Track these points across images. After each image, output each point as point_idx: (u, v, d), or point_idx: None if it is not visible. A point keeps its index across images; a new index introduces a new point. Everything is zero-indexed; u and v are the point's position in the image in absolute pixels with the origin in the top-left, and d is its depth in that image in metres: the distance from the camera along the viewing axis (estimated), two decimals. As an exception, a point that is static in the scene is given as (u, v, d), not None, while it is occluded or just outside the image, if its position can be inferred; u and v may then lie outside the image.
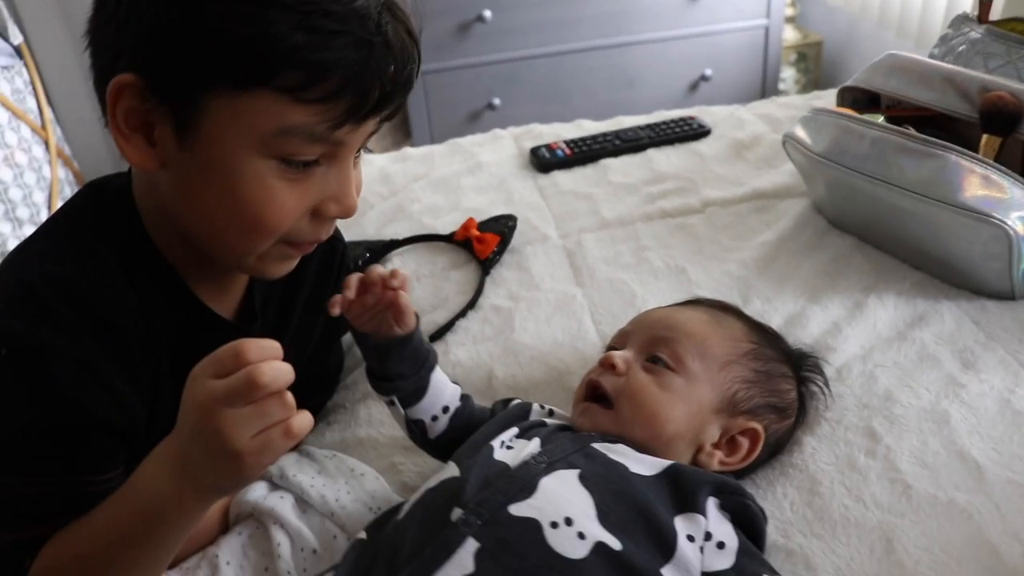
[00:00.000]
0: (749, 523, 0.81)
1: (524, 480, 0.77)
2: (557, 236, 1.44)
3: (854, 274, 1.23)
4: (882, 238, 1.26)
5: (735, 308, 1.03)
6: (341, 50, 0.72)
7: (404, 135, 2.98)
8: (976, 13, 1.40)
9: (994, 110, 1.13)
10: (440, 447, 0.94)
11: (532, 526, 0.73)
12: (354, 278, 0.88)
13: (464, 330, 1.21)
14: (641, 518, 0.75)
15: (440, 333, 1.20)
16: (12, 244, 2.74)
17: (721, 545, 0.77)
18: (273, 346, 0.69)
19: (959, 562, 0.80)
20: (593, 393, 0.91)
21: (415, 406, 0.93)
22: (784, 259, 1.29)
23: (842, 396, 1.01)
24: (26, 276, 0.80)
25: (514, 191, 1.59)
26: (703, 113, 1.85)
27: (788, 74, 3.34)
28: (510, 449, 0.84)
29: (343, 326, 0.97)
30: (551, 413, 0.94)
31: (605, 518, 0.74)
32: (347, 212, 0.84)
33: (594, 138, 1.72)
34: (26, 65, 2.86)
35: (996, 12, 1.44)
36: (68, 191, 2.99)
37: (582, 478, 0.78)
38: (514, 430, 0.88)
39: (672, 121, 1.77)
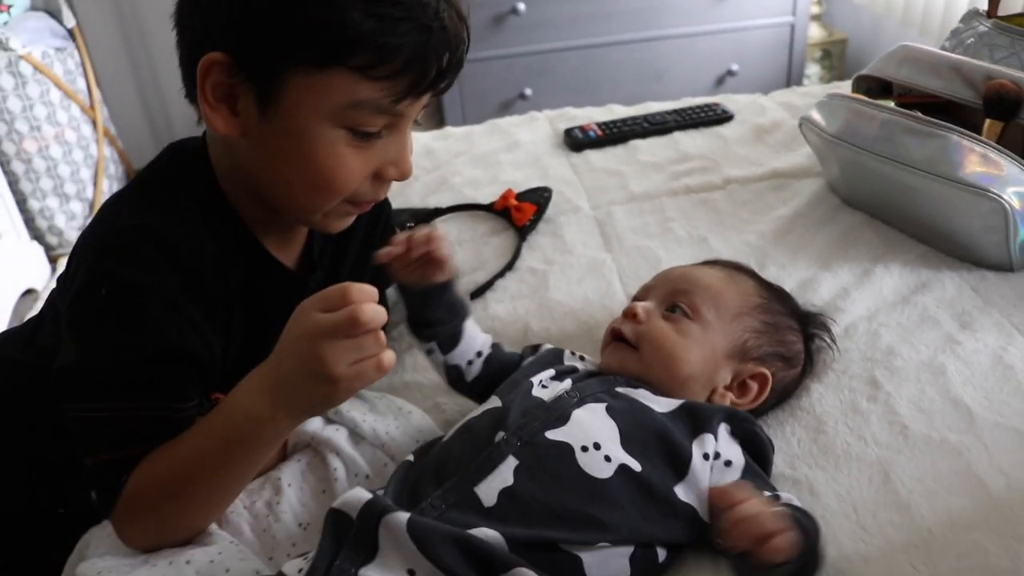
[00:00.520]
0: (758, 450, 0.90)
1: (559, 411, 0.87)
2: (589, 208, 1.51)
3: (864, 246, 1.30)
4: (890, 214, 1.33)
5: (749, 268, 1.11)
6: (405, 34, 0.82)
7: (438, 122, 3.05)
8: (987, 9, 1.48)
9: (996, 97, 1.20)
10: (477, 389, 1.02)
11: (565, 449, 0.82)
12: (402, 235, 0.98)
13: (503, 289, 1.29)
14: (659, 443, 0.84)
15: (481, 291, 1.28)
16: (59, 219, 2.86)
17: (728, 463, 0.86)
18: (372, 291, 0.79)
19: (948, 491, 0.87)
20: (617, 339, 1.00)
21: (452, 352, 1.02)
22: (799, 231, 1.36)
23: (848, 351, 1.08)
24: (119, 224, 0.89)
25: (549, 167, 1.66)
26: (727, 100, 1.91)
27: (813, 70, 3.38)
28: (545, 388, 0.93)
29: (387, 280, 1.06)
30: (582, 359, 1.03)
31: (628, 443, 0.83)
32: (404, 175, 0.94)
33: (624, 121, 1.80)
34: (77, 47, 2.95)
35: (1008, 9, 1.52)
36: (113, 169, 3.09)
37: (609, 409, 0.87)
38: (551, 371, 0.97)
39: (697, 107, 1.84)
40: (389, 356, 0.79)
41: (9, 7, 2.74)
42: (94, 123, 2.98)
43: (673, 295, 1.01)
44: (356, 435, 1.03)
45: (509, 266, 1.33)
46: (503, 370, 1.01)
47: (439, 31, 0.84)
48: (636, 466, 0.82)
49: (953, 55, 1.34)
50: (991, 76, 1.24)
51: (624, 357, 0.98)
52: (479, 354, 1.04)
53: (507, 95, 3.11)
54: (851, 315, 1.15)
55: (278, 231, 1.01)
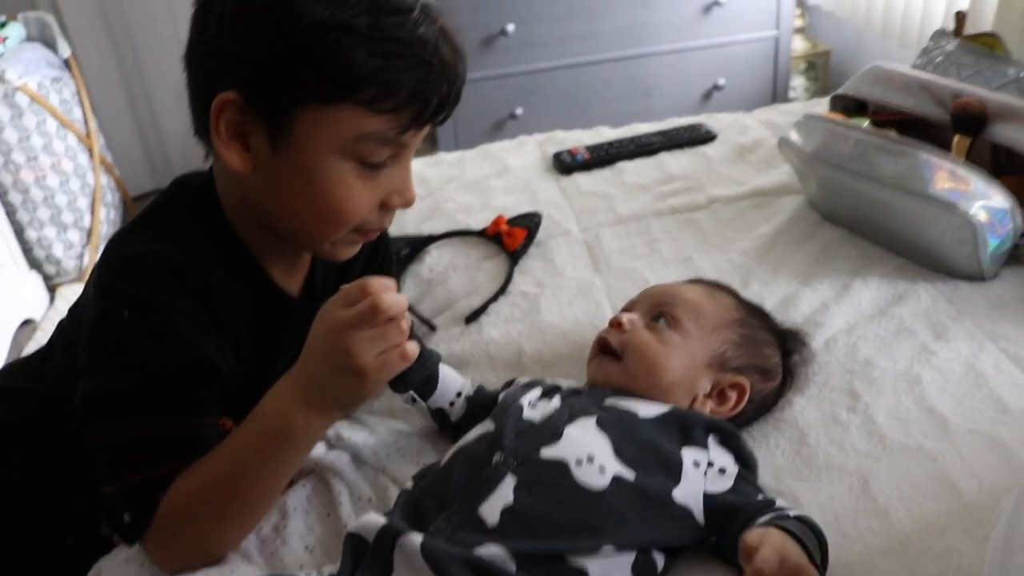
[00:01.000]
0: (743, 462, 0.94)
1: (551, 430, 0.90)
2: (578, 231, 1.54)
3: (842, 260, 1.34)
4: (868, 229, 1.37)
5: (729, 287, 1.16)
6: (407, 70, 0.87)
7: (431, 143, 3.08)
8: (953, 29, 1.53)
9: (963, 114, 1.25)
10: (465, 431, 1.00)
11: (561, 465, 0.86)
12: None
13: (496, 312, 1.33)
14: (650, 452, 0.89)
15: (475, 315, 1.32)
16: (57, 248, 2.88)
17: (723, 471, 0.90)
18: (391, 282, 0.83)
19: (924, 496, 0.90)
20: (603, 348, 1.05)
21: (432, 396, 1.05)
22: (780, 248, 1.40)
23: (828, 363, 1.12)
24: (130, 251, 0.92)
25: (539, 191, 1.69)
26: (710, 120, 1.95)
27: (798, 82, 3.42)
28: (534, 408, 0.96)
29: None
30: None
31: (620, 454, 0.87)
32: (408, 203, 0.98)
33: (611, 143, 1.83)
34: (73, 77, 2.97)
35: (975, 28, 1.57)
36: (110, 197, 3.10)
37: (599, 422, 0.91)
38: (537, 391, 1.01)
39: (682, 127, 1.88)
40: (412, 346, 0.84)
41: (4, 38, 2.76)
42: (90, 152, 2.99)
43: (656, 307, 1.07)
44: (358, 459, 1.06)
45: (502, 290, 1.37)
46: (485, 407, 1.03)
47: (438, 66, 0.89)
48: (630, 475, 0.85)
49: (923, 74, 1.39)
50: (958, 94, 1.28)
51: (608, 369, 1.03)
52: (459, 394, 1.07)
53: (498, 115, 3.14)
54: (831, 329, 1.19)
55: (283, 260, 1.05)
